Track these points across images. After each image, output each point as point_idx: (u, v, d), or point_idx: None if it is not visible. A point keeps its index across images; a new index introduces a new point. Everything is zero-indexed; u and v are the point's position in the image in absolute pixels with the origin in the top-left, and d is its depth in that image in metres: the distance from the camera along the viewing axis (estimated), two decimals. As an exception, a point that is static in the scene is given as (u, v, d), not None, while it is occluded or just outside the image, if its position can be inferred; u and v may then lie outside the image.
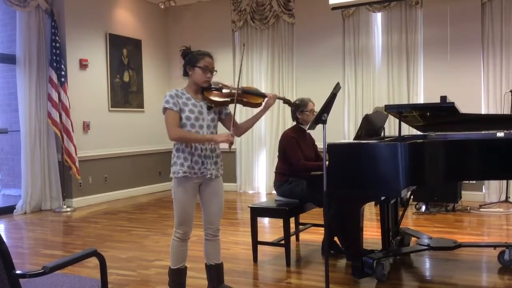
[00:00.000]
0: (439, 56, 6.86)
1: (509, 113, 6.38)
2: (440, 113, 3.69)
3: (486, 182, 6.62)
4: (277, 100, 3.25)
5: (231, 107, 3.15)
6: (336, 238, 4.22)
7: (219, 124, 3.17)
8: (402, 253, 4.07)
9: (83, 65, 7.27)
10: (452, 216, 5.81)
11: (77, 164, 6.85)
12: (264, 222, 5.70)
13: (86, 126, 7.30)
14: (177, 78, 8.70)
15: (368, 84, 7.39)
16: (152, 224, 5.82)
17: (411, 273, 3.84)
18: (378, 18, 7.35)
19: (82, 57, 7.26)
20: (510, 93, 6.46)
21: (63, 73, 6.83)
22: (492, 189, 6.64)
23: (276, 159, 4.37)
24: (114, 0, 7.87)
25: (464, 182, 6.15)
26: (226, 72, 7.77)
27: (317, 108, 3.29)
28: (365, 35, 7.39)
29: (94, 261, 2.38)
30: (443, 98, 3.40)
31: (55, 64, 6.77)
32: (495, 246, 4.01)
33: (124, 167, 7.91)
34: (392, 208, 4.10)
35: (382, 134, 4.77)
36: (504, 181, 6.48)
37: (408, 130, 4.97)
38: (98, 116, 7.49)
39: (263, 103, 3.17)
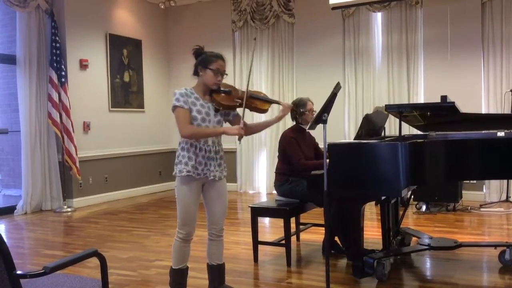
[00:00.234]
0: (440, 55, 6.86)
1: (510, 112, 6.38)
2: (441, 113, 3.68)
3: (486, 181, 6.62)
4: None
5: (238, 110, 3.16)
6: (336, 238, 4.23)
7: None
8: (402, 252, 4.06)
9: (83, 65, 7.27)
10: (453, 215, 5.81)
11: (77, 164, 6.85)
12: (265, 222, 5.70)
13: (86, 126, 7.30)
14: (177, 78, 8.71)
15: (368, 84, 7.39)
16: (153, 224, 5.82)
17: (411, 273, 3.84)
18: (378, 18, 7.35)
19: (82, 57, 7.26)
20: (510, 92, 6.47)
21: (63, 73, 6.83)
22: (493, 188, 6.64)
23: (276, 159, 4.37)
24: (114, 0, 7.87)
25: (464, 181, 6.15)
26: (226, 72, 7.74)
27: (317, 108, 3.29)
28: (365, 35, 7.39)
29: (94, 261, 2.38)
30: (444, 97, 3.40)
31: (55, 64, 6.77)
32: (495, 245, 4.01)
33: (124, 167, 7.91)
34: (392, 207, 4.10)
35: (383, 134, 4.77)
36: (505, 181, 6.48)
37: (408, 129, 4.96)
38: (99, 116, 7.50)
39: (280, 113, 3.16)
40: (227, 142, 3.21)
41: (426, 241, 3.92)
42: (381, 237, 4.02)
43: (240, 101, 3.04)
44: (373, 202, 6.12)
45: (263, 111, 3.16)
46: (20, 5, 6.53)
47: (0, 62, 7.29)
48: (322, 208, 3.57)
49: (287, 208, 3.98)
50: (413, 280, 3.66)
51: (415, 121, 4.01)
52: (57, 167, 6.98)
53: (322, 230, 4.75)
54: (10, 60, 6.89)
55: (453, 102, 3.38)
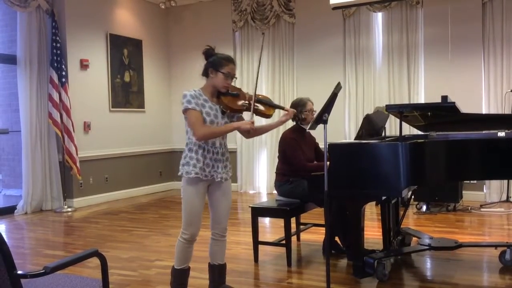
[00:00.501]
0: (440, 55, 6.85)
1: (510, 112, 6.38)
2: (441, 113, 3.68)
3: (487, 182, 6.62)
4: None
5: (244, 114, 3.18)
6: (337, 238, 4.23)
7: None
8: (403, 253, 4.06)
9: (83, 65, 7.27)
10: (453, 216, 5.81)
11: (78, 164, 6.85)
12: (265, 222, 5.70)
13: (87, 126, 7.30)
14: (178, 78, 8.72)
15: (368, 84, 7.39)
16: (153, 224, 5.82)
17: (412, 273, 3.84)
18: (378, 18, 7.35)
19: (83, 57, 7.27)
20: (511, 92, 6.46)
21: (63, 73, 6.83)
22: (493, 189, 6.63)
23: (277, 159, 4.37)
24: (114, 0, 7.87)
25: (465, 182, 6.14)
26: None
27: (318, 108, 3.29)
28: (366, 35, 7.39)
29: (95, 261, 2.38)
30: (444, 97, 3.40)
31: (55, 64, 6.77)
32: (496, 246, 4.01)
33: (124, 168, 7.91)
34: (393, 208, 4.11)
35: (383, 134, 4.77)
36: (505, 181, 6.48)
37: (409, 130, 4.96)
38: (99, 116, 7.50)
39: (282, 117, 3.19)
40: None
41: (427, 241, 3.92)
42: (381, 237, 4.03)
43: (247, 104, 3.07)
44: (374, 202, 6.11)
45: (268, 116, 3.19)
46: (20, 5, 6.54)
47: (0, 62, 7.30)
48: (323, 208, 3.57)
49: (288, 208, 3.98)
50: (413, 280, 3.65)
51: (415, 121, 4.01)
52: (58, 167, 6.98)
53: (322, 230, 4.75)
54: (11, 60, 6.90)
55: (454, 102, 3.38)
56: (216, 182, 3.08)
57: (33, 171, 6.76)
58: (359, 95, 7.45)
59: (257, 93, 3.12)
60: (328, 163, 3.17)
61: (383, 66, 7.29)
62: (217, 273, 3.22)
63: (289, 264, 3.94)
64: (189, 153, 3.02)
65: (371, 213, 6.08)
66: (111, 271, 3.64)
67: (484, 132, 4.12)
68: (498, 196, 6.58)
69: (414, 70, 7.10)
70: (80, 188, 7.19)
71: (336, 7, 7.04)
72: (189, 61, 8.44)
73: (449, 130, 4.21)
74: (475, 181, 6.33)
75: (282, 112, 3.26)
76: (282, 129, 6.96)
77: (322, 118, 3.04)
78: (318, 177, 3.66)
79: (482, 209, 6.08)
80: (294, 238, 4.50)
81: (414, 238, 4.29)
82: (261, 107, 3.14)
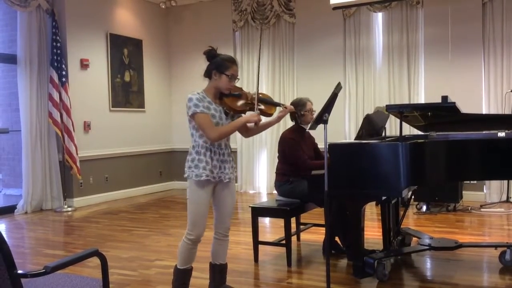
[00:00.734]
0: (440, 56, 6.85)
1: (510, 113, 6.38)
2: (441, 113, 3.68)
3: (487, 182, 6.62)
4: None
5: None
6: (337, 238, 4.23)
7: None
8: (403, 253, 4.06)
9: (84, 65, 7.27)
10: (453, 216, 5.81)
11: (78, 164, 6.85)
12: (265, 222, 5.70)
13: (87, 126, 7.30)
14: (178, 78, 8.72)
15: (369, 84, 7.39)
16: (153, 224, 5.82)
17: (412, 273, 3.84)
18: (379, 18, 7.35)
19: (83, 57, 7.26)
20: (511, 92, 6.46)
21: (64, 73, 6.83)
22: (493, 189, 6.63)
23: (277, 159, 4.37)
24: (115, 0, 7.87)
25: (465, 182, 6.14)
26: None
27: (318, 108, 3.29)
28: (366, 35, 7.39)
29: (95, 261, 2.38)
30: (444, 98, 3.40)
31: (56, 64, 6.77)
32: (496, 246, 4.01)
33: (125, 167, 7.91)
34: (393, 208, 4.11)
35: (383, 134, 4.77)
36: (505, 181, 6.47)
37: (409, 130, 4.96)
38: (99, 116, 7.50)
39: (279, 113, 3.22)
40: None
41: (427, 241, 3.92)
42: (381, 237, 4.02)
43: (249, 104, 3.09)
44: (374, 202, 6.10)
45: (270, 115, 3.21)
46: (21, 5, 6.54)
47: (1, 61, 7.30)
48: (323, 208, 3.57)
49: (288, 208, 3.98)
50: (413, 280, 3.65)
51: (415, 121, 4.01)
52: (58, 166, 6.98)
53: (322, 230, 4.75)
54: (11, 59, 6.90)
55: (454, 103, 3.38)
56: (224, 182, 3.10)
57: (33, 171, 6.76)
58: (359, 95, 7.45)
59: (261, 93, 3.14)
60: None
61: (383, 66, 7.29)
62: (218, 273, 3.23)
63: (289, 264, 3.95)
64: (197, 155, 3.02)
65: (371, 213, 6.08)
66: (111, 271, 3.64)
67: (484, 132, 4.12)
68: (498, 196, 6.58)
69: (414, 70, 7.10)
70: (80, 187, 7.19)
71: (336, 7, 7.04)
72: (189, 61, 8.44)
73: (449, 130, 4.21)
74: (475, 181, 6.33)
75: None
76: (282, 129, 6.98)
77: (322, 118, 3.04)
78: (318, 177, 3.67)
79: (482, 209, 6.08)
80: (294, 238, 4.50)
81: (414, 238, 4.29)
82: (262, 107, 3.16)
